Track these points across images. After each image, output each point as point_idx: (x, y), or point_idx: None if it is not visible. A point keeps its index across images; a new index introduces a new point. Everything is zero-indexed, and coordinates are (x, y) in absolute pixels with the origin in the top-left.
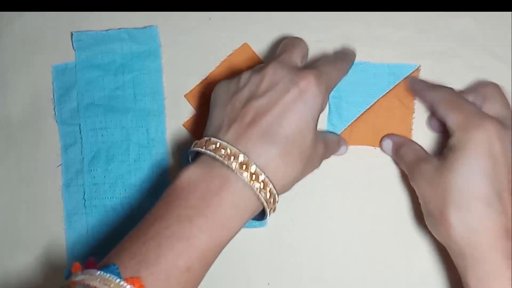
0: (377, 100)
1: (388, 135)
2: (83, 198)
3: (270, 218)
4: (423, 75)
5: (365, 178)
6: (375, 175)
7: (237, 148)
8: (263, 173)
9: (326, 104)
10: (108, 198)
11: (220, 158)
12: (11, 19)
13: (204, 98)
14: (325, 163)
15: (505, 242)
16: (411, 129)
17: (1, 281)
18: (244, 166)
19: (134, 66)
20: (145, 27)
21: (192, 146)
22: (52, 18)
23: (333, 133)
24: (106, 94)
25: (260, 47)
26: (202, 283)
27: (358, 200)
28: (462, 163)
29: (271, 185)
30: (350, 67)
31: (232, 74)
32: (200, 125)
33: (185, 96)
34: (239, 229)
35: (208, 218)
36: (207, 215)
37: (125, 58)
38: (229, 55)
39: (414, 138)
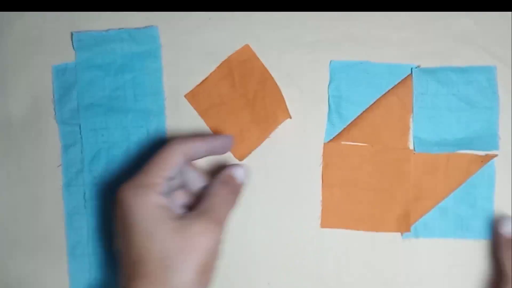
0: (377, 99)
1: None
2: (84, 198)
3: (270, 218)
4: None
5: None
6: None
7: None
8: None
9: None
10: (108, 198)
11: None
12: (11, 20)
13: (205, 98)
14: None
15: None
16: (409, 127)
17: (1, 281)
18: None
19: (135, 66)
20: (146, 27)
21: None
22: (52, 18)
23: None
24: (106, 94)
25: (260, 47)
26: None
27: None
28: None
29: None
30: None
31: (232, 74)
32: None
33: (185, 96)
34: None
35: None
36: None
37: (125, 58)
38: (230, 56)
39: (411, 136)
